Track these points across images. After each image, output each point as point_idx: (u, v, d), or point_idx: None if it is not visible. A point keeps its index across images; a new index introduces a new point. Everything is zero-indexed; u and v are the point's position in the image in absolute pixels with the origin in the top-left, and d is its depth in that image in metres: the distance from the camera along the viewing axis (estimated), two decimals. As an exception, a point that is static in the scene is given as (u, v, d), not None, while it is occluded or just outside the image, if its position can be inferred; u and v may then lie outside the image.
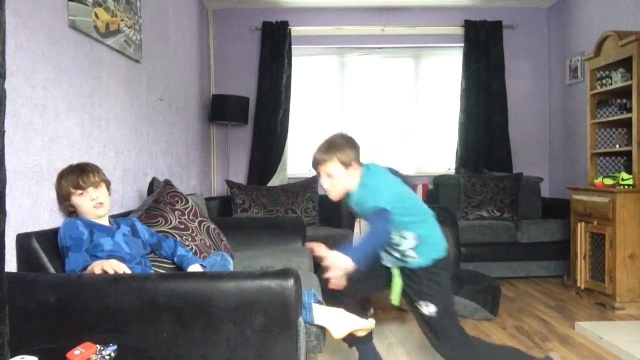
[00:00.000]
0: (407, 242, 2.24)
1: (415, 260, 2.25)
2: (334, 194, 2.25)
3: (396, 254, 2.28)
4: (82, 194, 2.16)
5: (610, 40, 3.98)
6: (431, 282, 2.26)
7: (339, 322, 2.12)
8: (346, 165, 2.18)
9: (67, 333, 1.78)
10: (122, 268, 1.94)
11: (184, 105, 4.50)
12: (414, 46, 5.83)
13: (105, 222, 2.24)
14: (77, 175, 2.16)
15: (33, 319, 1.79)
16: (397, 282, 2.34)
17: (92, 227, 2.14)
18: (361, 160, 2.25)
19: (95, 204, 2.17)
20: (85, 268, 1.99)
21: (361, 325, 2.17)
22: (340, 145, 2.19)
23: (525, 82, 5.82)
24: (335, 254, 2.01)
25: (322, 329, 2.10)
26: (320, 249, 2.06)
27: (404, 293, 2.34)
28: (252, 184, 5.40)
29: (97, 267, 1.93)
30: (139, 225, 2.36)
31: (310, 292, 2.09)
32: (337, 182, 2.21)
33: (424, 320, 2.30)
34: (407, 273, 2.30)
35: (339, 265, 1.99)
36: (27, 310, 1.79)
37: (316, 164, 2.23)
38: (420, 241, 2.24)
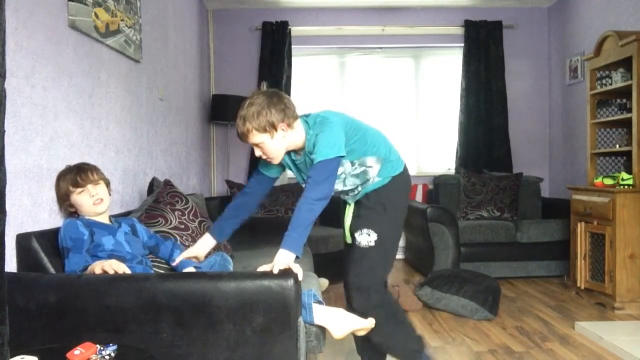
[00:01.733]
0: (372, 170, 2.21)
1: (375, 182, 2.22)
2: (275, 160, 2.13)
3: (360, 188, 2.25)
4: (81, 191, 2.16)
5: (610, 40, 3.98)
6: (378, 205, 2.20)
7: (339, 322, 2.11)
8: (268, 130, 2.03)
9: (67, 333, 1.78)
10: (122, 268, 1.94)
11: (184, 105, 4.50)
12: (414, 46, 5.83)
13: (105, 220, 2.24)
14: (75, 174, 2.17)
15: (33, 319, 1.79)
16: (349, 213, 2.31)
17: (92, 226, 2.14)
18: (295, 114, 2.09)
19: (95, 200, 2.16)
20: (85, 268, 1.99)
21: (361, 325, 2.15)
22: (254, 113, 2.01)
23: (525, 82, 5.82)
24: (276, 263, 1.90)
25: (322, 329, 2.10)
26: (267, 269, 1.93)
27: (352, 226, 2.29)
28: (252, 184, 5.39)
29: (97, 267, 1.93)
30: (139, 226, 2.36)
31: (311, 292, 2.09)
32: (267, 149, 2.07)
33: (355, 255, 2.22)
34: (361, 200, 2.26)
35: (284, 266, 1.91)
36: (27, 310, 1.79)
37: (241, 137, 2.09)
38: (382, 162, 2.22)
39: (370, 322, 2.17)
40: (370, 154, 2.20)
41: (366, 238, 2.20)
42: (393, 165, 2.26)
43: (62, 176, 2.21)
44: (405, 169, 2.33)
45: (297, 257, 1.95)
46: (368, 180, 2.24)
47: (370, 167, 2.22)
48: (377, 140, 2.24)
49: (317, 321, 2.06)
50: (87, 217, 2.18)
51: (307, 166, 2.19)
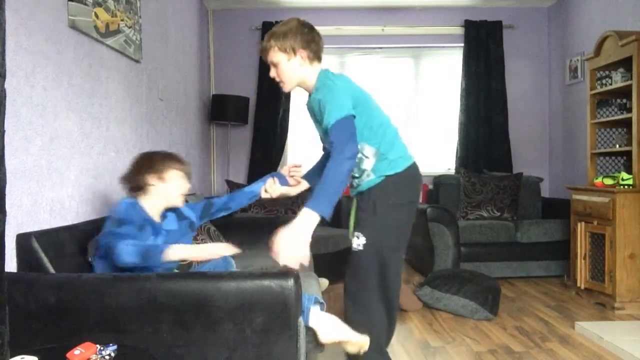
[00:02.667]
0: (367, 161, 2.12)
1: (369, 179, 2.13)
2: (286, 86, 2.16)
3: (357, 176, 2.16)
4: (183, 176, 2.13)
5: (610, 40, 3.98)
6: (369, 206, 2.10)
7: (329, 328, 2.04)
8: (288, 52, 2.08)
9: (67, 333, 1.78)
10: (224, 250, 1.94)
11: (184, 105, 4.50)
12: (414, 46, 5.83)
13: (157, 217, 2.17)
14: (179, 159, 2.15)
15: (33, 319, 1.79)
16: (352, 213, 2.25)
17: (145, 221, 2.08)
18: (319, 55, 2.14)
19: (185, 191, 2.16)
20: (161, 251, 1.91)
21: (352, 338, 2.05)
22: (282, 32, 2.08)
23: (525, 82, 5.82)
24: (297, 224, 1.82)
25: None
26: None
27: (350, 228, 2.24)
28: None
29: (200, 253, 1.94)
30: (182, 209, 2.26)
31: (312, 297, 2.07)
32: (281, 71, 2.11)
33: (350, 260, 2.15)
34: (358, 199, 2.19)
35: (305, 228, 1.83)
36: (27, 310, 1.79)
37: (262, 52, 2.15)
38: (378, 157, 2.11)
39: (363, 340, 2.06)
40: (369, 142, 2.11)
41: (356, 241, 2.13)
42: (390, 164, 2.13)
43: (159, 154, 2.15)
44: (409, 170, 2.17)
45: (323, 221, 1.85)
46: (364, 171, 2.14)
47: (367, 157, 2.12)
48: (381, 131, 2.13)
49: (310, 323, 2.01)
50: (145, 210, 2.11)
51: (316, 117, 2.17)
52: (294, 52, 2.08)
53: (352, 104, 2.04)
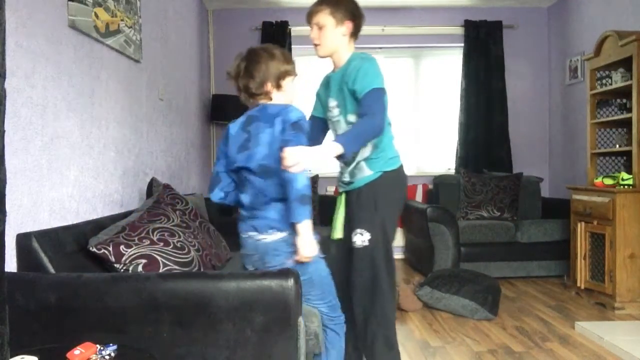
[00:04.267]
0: (364, 150, 2.20)
1: (365, 175, 2.21)
2: (322, 49, 2.25)
3: (346, 174, 2.25)
4: (293, 79, 2.10)
5: (610, 40, 3.98)
6: (370, 203, 2.18)
7: None
8: (337, 20, 2.20)
9: (67, 333, 1.78)
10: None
11: (184, 105, 4.50)
12: (414, 46, 5.83)
13: None
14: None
15: (33, 319, 1.79)
16: (341, 210, 2.28)
17: None
18: (358, 32, 2.25)
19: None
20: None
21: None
22: (337, 0, 2.21)
23: (525, 82, 5.82)
24: (319, 150, 1.96)
25: (322, 329, 2.11)
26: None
27: (346, 227, 2.27)
28: (252, 184, 5.39)
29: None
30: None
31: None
32: (325, 35, 2.21)
33: (354, 257, 2.20)
34: (352, 197, 2.24)
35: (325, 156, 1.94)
36: (27, 310, 1.79)
37: (309, 14, 2.26)
38: (376, 149, 2.20)
39: None
40: None
41: (360, 238, 2.20)
42: (387, 160, 2.24)
43: (284, 52, 2.10)
44: (401, 169, 2.30)
45: (342, 156, 2.01)
46: (357, 163, 2.21)
47: (365, 146, 2.19)
48: (386, 129, 2.21)
49: None
50: None
51: (339, 98, 2.23)
52: (342, 21, 2.20)
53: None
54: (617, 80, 3.99)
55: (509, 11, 5.75)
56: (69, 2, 2.38)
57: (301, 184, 1.85)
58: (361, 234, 2.19)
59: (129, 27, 3.07)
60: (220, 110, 5.31)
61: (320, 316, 2.12)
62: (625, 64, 3.92)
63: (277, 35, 5.59)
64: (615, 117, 4.02)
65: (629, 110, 3.86)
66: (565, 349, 2.97)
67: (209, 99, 5.53)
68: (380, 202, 2.20)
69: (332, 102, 2.30)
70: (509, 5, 5.73)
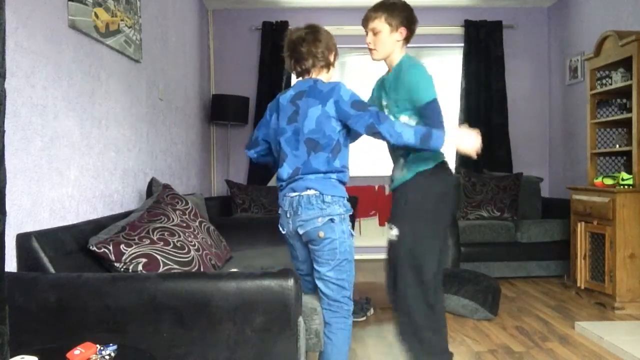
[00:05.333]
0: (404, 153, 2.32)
1: (402, 176, 2.31)
2: (377, 53, 2.35)
3: (392, 174, 2.37)
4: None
5: (610, 40, 3.98)
6: (402, 199, 2.26)
7: None
8: (393, 27, 2.29)
9: (67, 333, 1.78)
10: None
11: (184, 105, 4.50)
12: (414, 46, 5.81)
13: None
14: None
15: (33, 319, 1.79)
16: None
17: None
18: (410, 37, 2.38)
19: None
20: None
21: None
22: (392, 7, 2.30)
23: (525, 82, 5.82)
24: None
25: (322, 327, 2.11)
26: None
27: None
28: (252, 184, 5.40)
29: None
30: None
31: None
32: (380, 40, 2.31)
33: (388, 249, 2.32)
34: (393, 195, 2.36)
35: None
36: (27, 310, 1.79)
37: (365, 20, 2.34)
38: (412, 154, 2.29)
39: None
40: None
41: (390, 232, 2.28)
42: (423, 161, 2.28)
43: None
44: (438, 168, 2.30)
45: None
46: (398, 163, 2.33)
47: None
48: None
49: None
50: None
51: (391, 99, 2.38)
52: (397, 27, 2.30)
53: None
54: (617, 80, 3.99)
55: (509, 11, 5.75)
56: (69, 2, 2.38)
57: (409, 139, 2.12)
58: (391, 228, 2.28)
59: (129, 27, 3.07)
60: (220, 110, 5.31)
61: (321, 313, 2.14)
62: (625, 64, 3.92)
63: (277, 35, 5.58)
64: (615, 117, 4.02)
65: (629, 110, 3.86)
66: (565, 349, 2.97)
67: (209, 99, 5.53)
68: (411, 199, 2.25)
69: (384, 102, 2.43)
70: (509, 5, 5.73)
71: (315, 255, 2.13)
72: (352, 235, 2.16)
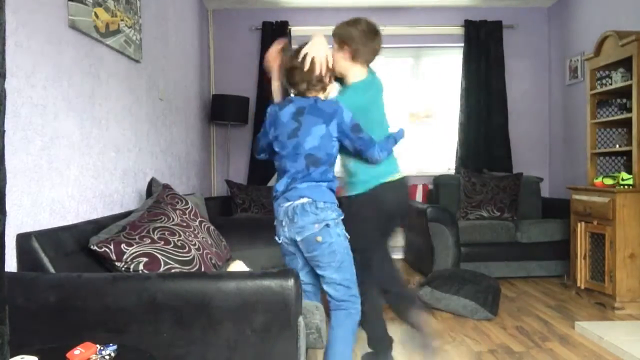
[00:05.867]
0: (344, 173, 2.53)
1: (353, 188, 2.51)
2: (334, 68, 2.39)
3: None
4: None
5: (610, 40, 3.98)
6: (349, 211, 2.37)
7: None
8: (337, 44, 2.46)
9: (67, 333, 1.78)
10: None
11: (184, 105, 4.50)
12: (414, 46, 5.83)
13: None
14: None
15: (33, 319, 1.79)
16: None
17: None
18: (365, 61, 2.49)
19: None
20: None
21: None
22: (343, 25, 2.50)
23: (525, 82, 5.82)
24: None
25: (323, 324, 2.11)
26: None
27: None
28: (252, 184, 5.40)
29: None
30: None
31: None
32: (334, 56, 2.40)
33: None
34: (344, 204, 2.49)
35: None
36: (27, 310, 1.79)
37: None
38: (349, 176, 2.50)
39: None
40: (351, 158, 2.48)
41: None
42: (359, 184, 2.52)
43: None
44: (372, 192, 2.49)
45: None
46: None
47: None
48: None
49: None
50: None
51: None
52: (342, 46, 2.48)
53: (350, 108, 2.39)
54: (617, 80, 3.99)
55: (509, 11, 5.75)
56: (69, 2, 2.38)
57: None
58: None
59: (129, 27, 3.07)
60: (220, 110, 5.31)
61: (322, 309, 2.16)
62: (625, 64, 3.92)
63: (277, 35, 5.58)
64: (615, 117, 4.02)
65: (629, 110, 3.86)
66: (565, 349, 2.97)
67: (209, 99, 5.53)
68: (357, 211, 2.48)
69: None
70: (509, 5, 5.73)
71: (316, 261, 2.19)
72: (347, 237, 2.23)
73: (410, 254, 5.44)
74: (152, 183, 3.08)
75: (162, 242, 2.32)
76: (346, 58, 2.44)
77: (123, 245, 2.16)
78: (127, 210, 2.96)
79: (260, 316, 1.81)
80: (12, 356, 1.44)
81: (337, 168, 2.36)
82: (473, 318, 3.55)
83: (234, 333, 1.81)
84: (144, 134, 3.41)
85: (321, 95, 2.30)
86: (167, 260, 2.25)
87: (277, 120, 2.27)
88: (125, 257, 2.14)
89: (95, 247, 2.11)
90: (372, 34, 2.48)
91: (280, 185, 2.26)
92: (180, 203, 2.77)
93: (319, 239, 2.15)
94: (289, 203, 2.21)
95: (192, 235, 2.59)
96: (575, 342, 3.08)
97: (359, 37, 2.44)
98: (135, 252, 2.18)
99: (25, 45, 2.04)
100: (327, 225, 2.15)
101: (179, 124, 4.31)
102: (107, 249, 2.12)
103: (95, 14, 2.63)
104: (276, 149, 2.28)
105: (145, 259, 2.18)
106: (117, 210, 2.88)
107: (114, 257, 2.12)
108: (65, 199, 2.35)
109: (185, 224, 2.64)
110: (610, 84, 4.08)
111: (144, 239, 2.27)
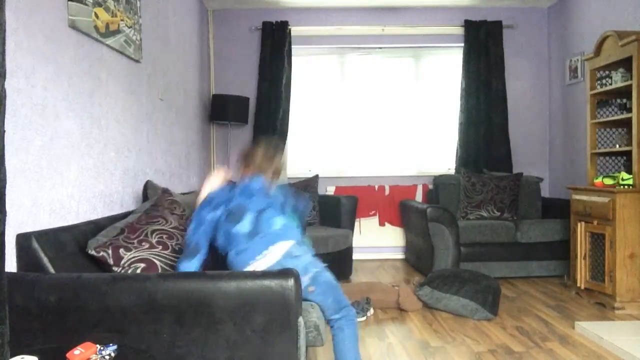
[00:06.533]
0: None
1: None
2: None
3: None
4: None
5: (610, 40, 3.98)
6: None
7: None
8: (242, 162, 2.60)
9: (67, 333, 1.78)
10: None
11: (184, 105, 4.50)
12: (414, 46, 5.83)
13: None
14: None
15: (33, 319, 1.79)
16: None
17: None
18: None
19: None
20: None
21: None
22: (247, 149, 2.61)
23: (525, 82, 5.82)
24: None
25: (323, 322, 2.12)
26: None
27: None
28: (252, 184, 5.39)
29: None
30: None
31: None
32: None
33: None
34: None
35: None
36: (27, 310, 1.79)
37: None
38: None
39: None
40: None
41: None
42: None
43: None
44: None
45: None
46: None
47: None
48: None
49: None
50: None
51: None
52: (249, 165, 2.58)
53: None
54: (617, 80, 3.99)
55: (509, 11, 5.75)
56: (69, 2, 2.38)
57: None
58: None
59: (129, 27, 3.07)
60: (220, 110, 5.31)
61: (317, 307, 2.20)
62: (625, 64, 3.92)
63: (277, 35, 5.59)
64: (615, 117, 4.02)
65: (629, 110, 3.86)
66: (565, 349, 2.97)
67: (209, 99, 5.53)
68: None
69: None
70: (509, 5, 5.73)
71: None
72: (325, 266, 2.35)
73: (410, 254, 5.44)
74: (147, 186, 3.07)
75: (160, 247, 2.33)
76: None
77: (121, 250, 2.17)
78: (127, 210, 2.96)
79: (260, 316, 1.81)
80: (12, 356, 1.44)
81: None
82: (473, 318, 3.55)
83: (234, 333, 1.81)
84: (144, 134, 3.41)
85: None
86: (164, 266, 2.26)
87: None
88: (122, 262, 2.14)
89: (93, 252, 2.11)
90: (274, 151, 2.62)
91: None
92: (178, 208, 2.78)
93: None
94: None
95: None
96: (575, 342, 3.08)
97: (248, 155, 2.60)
98: (133, 257, 2.18)
99: (25, 45, 2.04)
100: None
101: (179, 124, 4.31)
102: (105, 254, 2.12)
103: (95, 14, 2.63)
104: None
105: (142, 265, 2.18)
106: (117, 210, 2.88)
107: (111, 261, 2.13)
108: (65, 199, 2.35)
109: (182, 228, 2.64)
110: (610, 84, 4.08)
111: (143, 244, 2.28)
